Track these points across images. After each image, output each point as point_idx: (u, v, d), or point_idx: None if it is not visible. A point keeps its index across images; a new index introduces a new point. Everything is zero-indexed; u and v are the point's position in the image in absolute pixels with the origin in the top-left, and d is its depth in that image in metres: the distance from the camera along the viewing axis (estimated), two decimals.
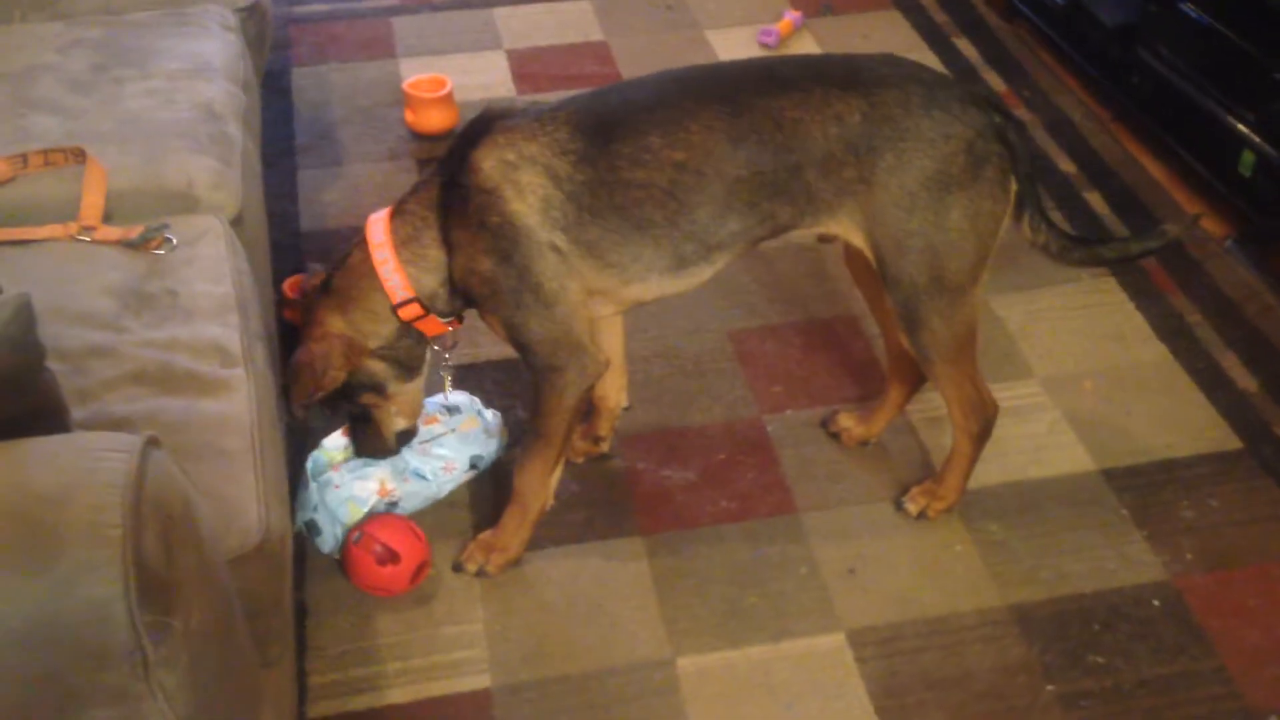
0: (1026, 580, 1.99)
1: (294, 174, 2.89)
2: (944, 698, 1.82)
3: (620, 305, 1.91)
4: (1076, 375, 2.38)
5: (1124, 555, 2.03)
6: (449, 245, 1.81)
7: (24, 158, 1.93)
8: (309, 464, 2.03)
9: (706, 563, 2.02)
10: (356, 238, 1.88)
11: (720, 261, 1.85)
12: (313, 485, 2.00)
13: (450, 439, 2.09)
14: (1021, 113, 3.13)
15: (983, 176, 1.77)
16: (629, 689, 1.84)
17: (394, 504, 2.03)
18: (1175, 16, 2.84)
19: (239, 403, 1.57)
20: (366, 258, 1.84)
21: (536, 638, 1.91)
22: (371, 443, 2.01)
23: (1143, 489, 2.15)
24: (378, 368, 1.90)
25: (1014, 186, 1.82)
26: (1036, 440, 2.24)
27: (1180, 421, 2.28)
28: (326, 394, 1.87)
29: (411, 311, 1.85)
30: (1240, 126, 2.67)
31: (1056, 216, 2.20)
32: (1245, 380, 2.36)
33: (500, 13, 3.57)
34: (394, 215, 1.85)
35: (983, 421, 1.99)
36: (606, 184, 1.75)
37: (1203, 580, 2.00)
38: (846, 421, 2.24)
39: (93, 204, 1.87)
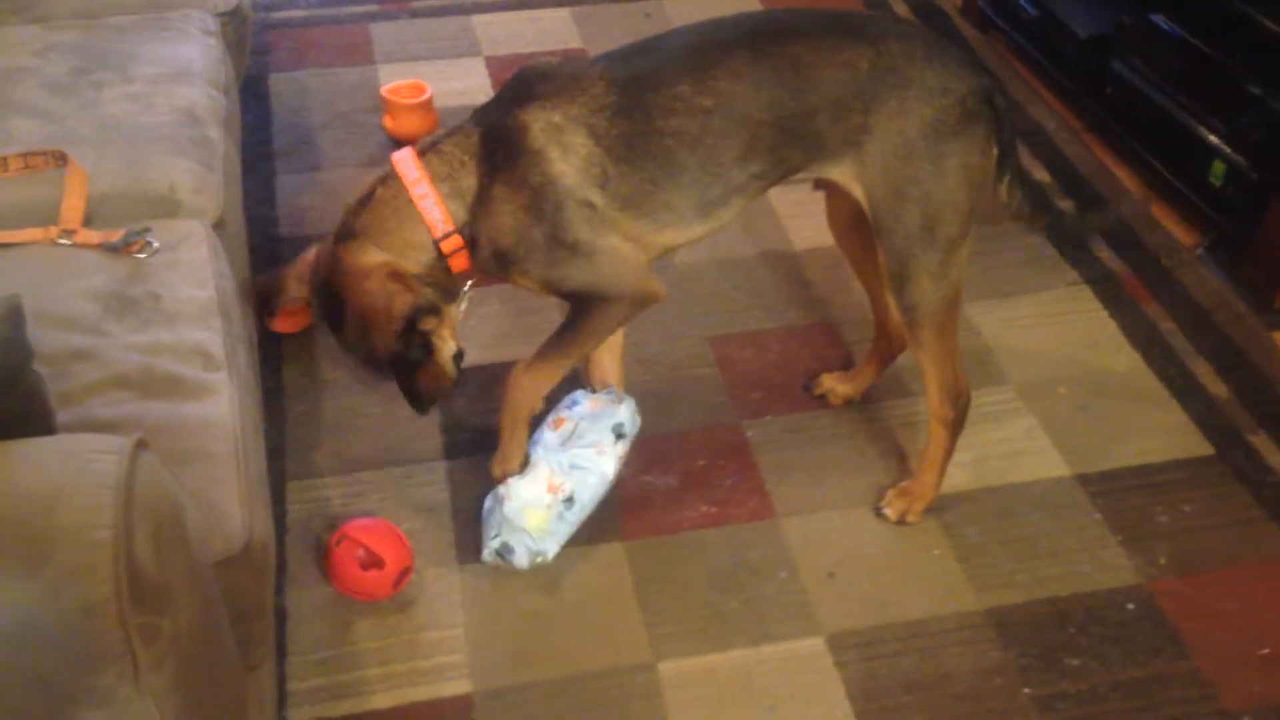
0: (1004, 584, 2.01)
1: (272, 179, 2.88)
2: (923, 700, 1.84)
3: (651, 252, 1.95)
4: (1051, 382, 2.41)
5: (1099, 559, 2.06)
6: (482, 194, 1.83)
7: (4, 161, 1.91)
8: (489, 501, 2.01)
9: (687, 567, 2.03)
10: (379, 175, 1.87)
11: (738, 205, 1.91)
12: (495, 511, 1.98)
13: (584, 425, 2.06)
14: None
15: (974, 131, 1.86)
16: (610, 693, 1.84)
17: (570, 500, 1.99)
18: (1148, 28, 2.88)
19: (222, 406, 1.56)
20: (401, 192, 1.83)
21: (518, 643, 1.91)
22: (429, 384, 1.95)
23: (1116, 494, 2.17)
24: (425, 290, 1.88)
25: (995, 150, 1.90)
26: (1012, 446, 2.27)
27: (1153, 427, 2.31)
28: (404, 327, 1.83)
29: (454, 243, 1.85)
30: (1211, 137, 2.71)
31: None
32: (1216, 387, 2.40)
33: (479, 19, 3.58)
34: (425, 154, 1.85)
35: (958, 408, 2.03)
36: (642, 134, 1.81)
37: (1176, 584, 2.03)
38: (830, 381, 2.33)
39: (74, 207, 1.86)
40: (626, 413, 2.11)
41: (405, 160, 1.85)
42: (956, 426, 2.05)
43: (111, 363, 1.59)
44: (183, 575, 1.10)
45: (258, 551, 1.44)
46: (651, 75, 1.83)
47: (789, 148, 1.86)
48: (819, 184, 2.00)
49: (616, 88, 1.82)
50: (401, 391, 1.95)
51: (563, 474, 2.00)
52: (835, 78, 1.82)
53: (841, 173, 1.89)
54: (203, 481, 1.44)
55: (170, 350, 1.62)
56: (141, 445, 1.11)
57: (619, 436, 2.08)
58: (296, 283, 1.98)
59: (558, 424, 2.08)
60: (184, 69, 2.21)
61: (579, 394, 2.15)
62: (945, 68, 1.84)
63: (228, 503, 1.44)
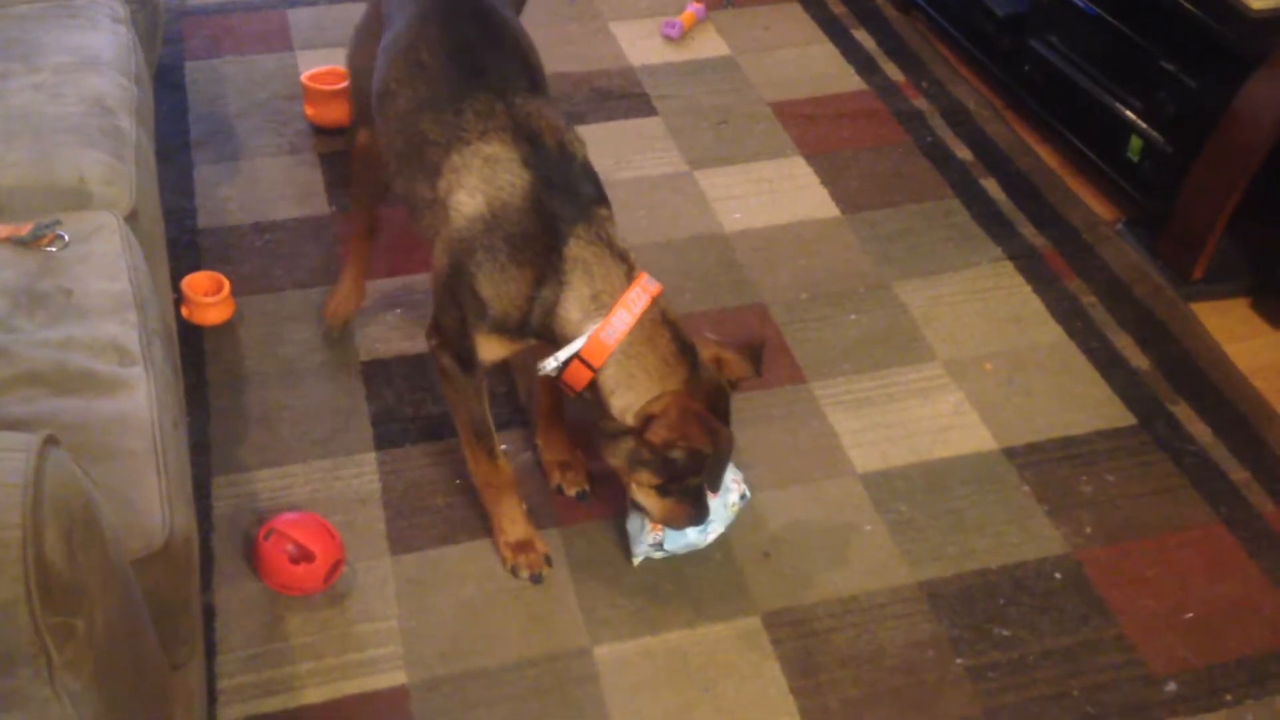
0: (934, 558, 2.04)
1: (190, 170, 2.81)
2: (857, 675, 1.86)
3: None
4: (978, 358, 2.44)
5: (1026, 530, 2.09)
6: None
7: None
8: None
9: (622, 552, 2.02)
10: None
11: None
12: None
13: None
14: (920, 102, 3.19)
15: None
16: (547, 680, 1.83)
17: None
18: (1065, 7, 2.93)
19: (139, 401, 1.52)
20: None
21: (453, 632, 1.89)
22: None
23: (1043, 466, 2.21)
24: None
25: None
26: (941, 421, 2.29)
27: (1077, 400, 2.35)
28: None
29: None
30: (1128, 113, 2.76)
31: None
32: (1137, 359, 2.45)
33: None
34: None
35: None
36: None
37: (1102, 552, 2.06)
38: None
39: None
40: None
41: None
42: None
43: (23, 359, 1.54)
44: (98, 574, 1.07)
45: (179, 548, 1.41)
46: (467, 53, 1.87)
47: None
48: None
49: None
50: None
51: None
52: None
53: None
54: (120, 479, 1.41)
55: (83, 345, 1.57)
56: (51, 442, 1.07)
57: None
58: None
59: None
60: (92, 58, 2.14)
61: None
62: None
63: (146, 500, 1.40)
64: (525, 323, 1.77)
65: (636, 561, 1.99)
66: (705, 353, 1.83)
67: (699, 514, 1.87)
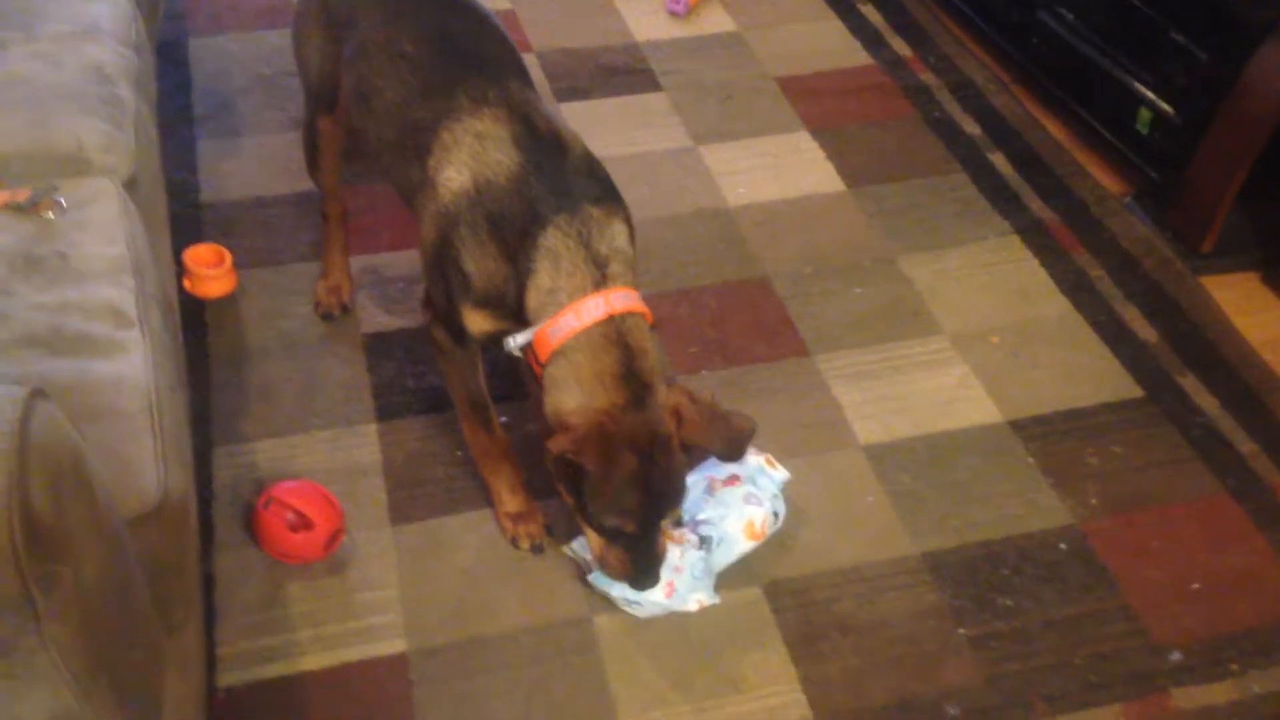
0: (938, 529, 2.02)
1: (194, 144, 2.80)
2: (859, 644, 1.84)
3: None
4: (984, 330, 2.42)
5: (1031, 502, 2.08)
6: None
7: None
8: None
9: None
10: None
11: None
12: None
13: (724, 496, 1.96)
14: (927, 77, 3.17)
15: None
16: (547, 648, 1.83)
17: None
18: None
19: (135, 363, 1.51)
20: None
21: (453, 601, 1.89)
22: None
23: (1049, 438, 2.19)
24: None
25: None
26: (946, 394, 2.27)
27: (1084, 372, 2.33)
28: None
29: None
30: (1138, 86, 2.73)
31: None
32: (1145, 331, 2.42)
33: None
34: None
35: None
36: None
37: (1107, 523, 2.05)
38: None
39: None
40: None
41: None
42: None
43: (18, 322, 1.53)
44: (86, 524, 1.06)
45: (174, 508, 1.40)
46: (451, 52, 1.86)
47: None
48: None
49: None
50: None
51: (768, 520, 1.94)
52: None
53: None
54: (115, 438, 1.40)
55: (79, 308, 1.57)
56: (39, 395, 1.06)
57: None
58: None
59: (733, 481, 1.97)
60: (92, 26, 2.13)
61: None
62: None
63: (141, 459, 1.40)
64: (505, 300, 1.74)
65: (565, 550, 1.93)
66: (670, 398, 1.69)
67: (638, 578, 1.74)
